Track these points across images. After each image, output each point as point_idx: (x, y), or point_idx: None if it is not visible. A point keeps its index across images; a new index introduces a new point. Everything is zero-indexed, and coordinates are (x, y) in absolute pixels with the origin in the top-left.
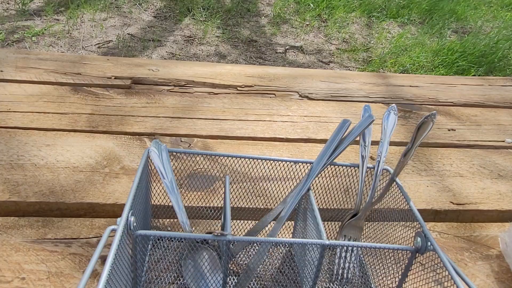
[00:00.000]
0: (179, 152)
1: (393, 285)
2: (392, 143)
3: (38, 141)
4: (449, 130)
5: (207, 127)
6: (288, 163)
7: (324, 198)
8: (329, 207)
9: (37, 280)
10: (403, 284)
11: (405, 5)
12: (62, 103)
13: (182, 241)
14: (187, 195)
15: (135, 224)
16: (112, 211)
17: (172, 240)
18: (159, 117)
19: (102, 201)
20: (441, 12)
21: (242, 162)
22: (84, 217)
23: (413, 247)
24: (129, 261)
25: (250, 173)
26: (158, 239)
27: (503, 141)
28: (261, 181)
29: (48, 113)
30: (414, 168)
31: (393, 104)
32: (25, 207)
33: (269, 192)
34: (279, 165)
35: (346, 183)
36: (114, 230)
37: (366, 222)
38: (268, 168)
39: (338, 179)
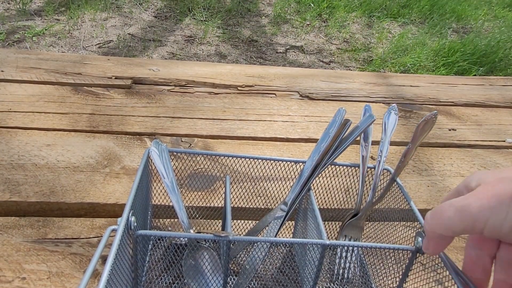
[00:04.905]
0: (180, 152)
1: (394, 285)
2: (392, 143)
3: (39, 141)
4: (449, 130)
5: (208, 127)
6: (288, 163)
7: (324, 198)
8: (329, 207)
9: (37, 280)
10: (404, 284)
11: (406, 5)
12: (62, 103)
13: (183, 241)
14: (187, 195)
15: (135, 224)
16: (112, 211)
17: (173, 240)
18: (160, 117)
19: (103, 201)
20: (441, 12)
21: (242, 162)
22: (84, 217)
23: (414, 247)
24: (129, 261)
25: (250, 173)
26: (159, 239)
27: (504, 141)
28: (261, 181)
29: (49, 113)
30: (415, 168)
31: (394, 104)
32: (26, 207)
33: (269, 192)
34: (279, 165)
35: (347, 183)
36: (114, 230)
37: (367, 222)
38: (269, 168)
39: (338, 179)
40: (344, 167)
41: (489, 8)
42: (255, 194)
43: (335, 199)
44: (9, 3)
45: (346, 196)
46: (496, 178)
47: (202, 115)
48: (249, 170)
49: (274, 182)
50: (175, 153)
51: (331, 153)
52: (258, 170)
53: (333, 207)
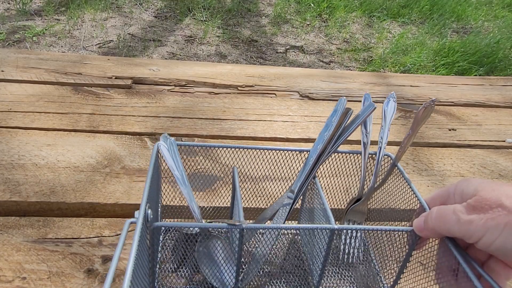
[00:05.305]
0: (188, 145)
1: (397, 266)
2: (393, 143)
3: (39, 141)
4: (449, 130)
5: (208, 127)
6: (293, 152)
7: (328, 185)
8: (333, 194)
9: (38, 279)
10: (407, 263)
11: (406, 4)
12: (62, 103)
13: (193, 231)
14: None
15: (151, 216)
16: (113, 211)
17: (183, 230)
18: (160, 117)
19: (103, 201)
20: (441, 12)
21: (244, 160)
22: (84, 217)
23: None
24: (147, 252)
25: (252, 173)
26: (170, 230)
27: (504, 141)
28: (262, 181)
29: (49, 113)
30: (415, 168)
31: (393, 92)
32: (26, 207)
33: (270, 192)
34: (284, 154)
35: (349, 170)
36: (133, 223)
37: (369, 207)
38: (273, 158)
39: (341, 166)
40: (347, 154)
41: (489, 8)
42: (256, 194)
43: (339, 186)
44: (9, 3)
45: (349, 182)
46: (495, 197)
47: (202, 115)
48: (250, 169)
49: (275, 182)
50: (182, 147)
51: (334, 141)
52: (260, 169)
53: (337, 194)
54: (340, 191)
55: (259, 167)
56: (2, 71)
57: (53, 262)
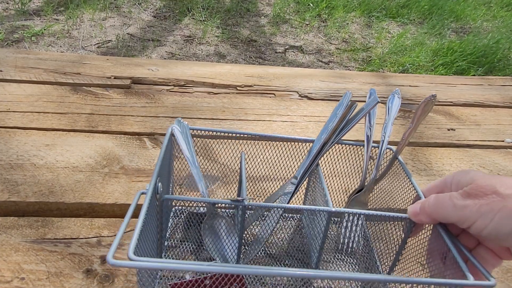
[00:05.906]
0: (199, 129)
1: (394, 253)
2: (392, 143)
3: (38, 141)
4: (448, 130)
5: (207, 127)
6: (297, 143)
7: (331, 175)
8: (336, 183)
9: (36, 280)
10: (403, 251)
11: (405, 5)
12: (61, 103)
13: (202, 210)
14: (186, 195)
15: (161, 189)
16: (111, 211)
17: (193, 210)
18: (159, 117)
19: (102, 201)
20: (440, 12)
21: (246, 156)
22: (83, 217)
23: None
24: (155, 223)
25: (255, 172)
26: (179, 212)
27: (503, 141)
28: (262, 181)
29: (48, 113)
30: (414, 168)
31: (397, 88)
32: (25, 207)
33: (270, 191)
34: (289, 145)
35: (352, 161)
36: (143, 193)
37: (371, 198)
38: (275, 154)
39: (344, 157)
40: (350, 146)
41: (487, 8)
42: (256, 194)
43: (341, 176)
44: (7, 3)
45: (351, 173)
46: (490, 184)
47: (201, 115)
48: (253, 164)
49: (275, 182)
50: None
51: (338, 133)
52: (265, 159)
53: (339, 184)
54: (343, 181)
55: (261, 165)
56: (1, 71)
57: (51, 263)
